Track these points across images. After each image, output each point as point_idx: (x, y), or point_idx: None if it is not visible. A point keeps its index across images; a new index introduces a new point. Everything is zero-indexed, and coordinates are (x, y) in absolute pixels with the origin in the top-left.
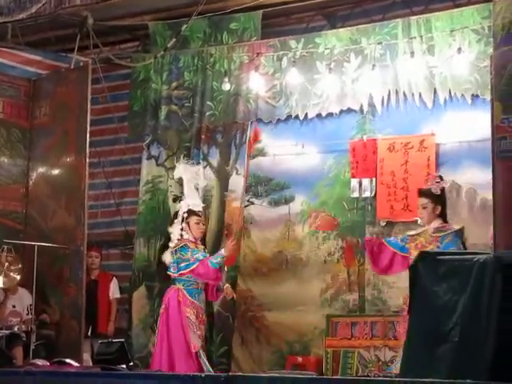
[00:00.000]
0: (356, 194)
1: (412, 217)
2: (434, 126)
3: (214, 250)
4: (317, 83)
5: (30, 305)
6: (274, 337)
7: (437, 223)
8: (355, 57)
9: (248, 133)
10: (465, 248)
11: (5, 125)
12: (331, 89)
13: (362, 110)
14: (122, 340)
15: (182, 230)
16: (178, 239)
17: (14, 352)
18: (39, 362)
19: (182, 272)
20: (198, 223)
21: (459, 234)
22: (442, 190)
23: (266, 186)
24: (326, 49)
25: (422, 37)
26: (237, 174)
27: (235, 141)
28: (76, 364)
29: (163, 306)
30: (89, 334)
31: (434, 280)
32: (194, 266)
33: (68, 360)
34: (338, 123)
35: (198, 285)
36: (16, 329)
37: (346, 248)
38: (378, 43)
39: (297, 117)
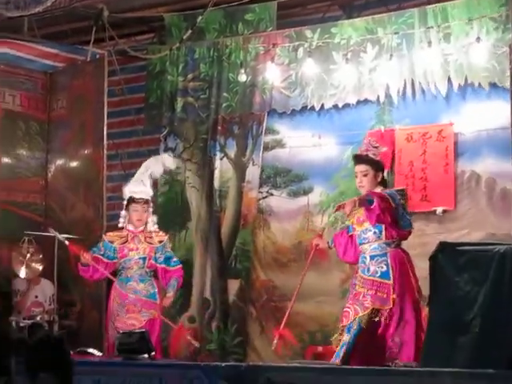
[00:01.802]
0: None
1: (430, 207)
2: (452, 115)
3: (231, 240)
4: (333, 74)
5: (52, 295)
6: (296, 327)
7: (378, 190)
8: (372, 47)
9: (264, 124)
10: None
11: (23, 118)
12: (348, 79)
13: (379, 101)
14: (144, 330)
15: (124, 217)
16: (123, 228)
17: None
18: None
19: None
20: (136, 211)
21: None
22: (382, 155)
23: (284, 178)
24: (342, 39)
25: (438, 26)
26: (253, 164)
27: (252, 132)
28: (98, 353)
29: None
30: None
31: (455, 271)
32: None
33: (90, 350)
34: (355, 114)
35: (126, 273)
36: (38, 319)
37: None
38: (395, 33)
39: (313, 108)
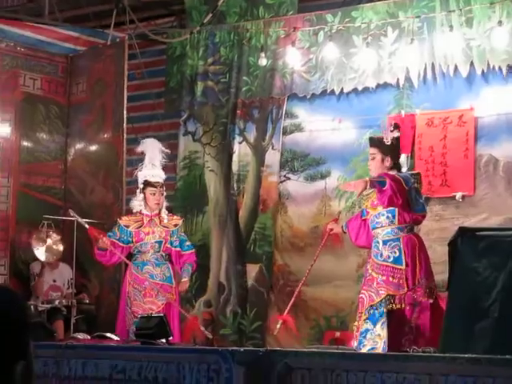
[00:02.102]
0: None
1: (450, 192)
2: (472, 99)
3: (250, 225)
4: (353, 57)
5: (71, 279)
6: (312, 312)
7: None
8: (392, 30)
9: (284, 108)
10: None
11: (43, 101)
12: (368, 63)
13: (398, 85)
14: (162, 314)
15: (140, 200)
16: (138, 212)
17: (55, 326)
18: (80, 335)
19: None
20: (154, 194)
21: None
22: (395, 140)
23: (302, 162)
24: (362, 23)
25: (460, 10)
26: (273, 149)
27: (271, 116)
28: (116, 338)
29: None
30: None
31: (474, 256)
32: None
33: (108, 334)
34: (375, 98)
35: (142, 257)
36: (57, 303)
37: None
38: (416, 17)
39: (333, 92)
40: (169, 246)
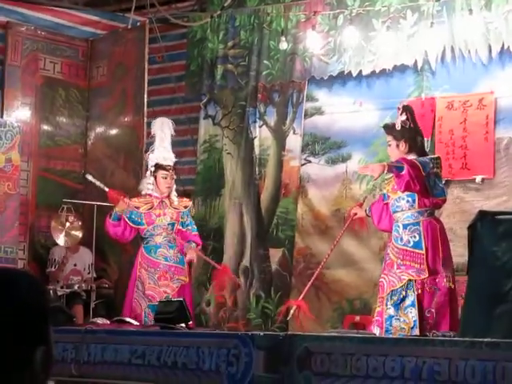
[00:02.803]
0: None
1: (470, 175)
2: (492, 82)
3: (272, 209)
4: (372, 40)
5: (91, 264)
6: (335, 294)
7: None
8: (412, 14)
9: (305, 92)
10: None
11: (63, 85)
12: (387, 46)
13: (418, 68)
14: (181, 299)
15: (151, 184)
16: (146, 194)
17: (74, 310)
18: (99, 320)
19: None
20: (166, 178)
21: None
22: (405, 123)
23: (323, 145)
24: (382, 6)
25: None
26: (294, 133)
27: (292, 100)
28: (135, 323)
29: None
30: None
31: (493, 240)
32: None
33: (128, 319)
34: (394, 81)
35: (155, 240)
36: (76, 287)
37: None
38: (436, 0)
39: (350, 74)
40: (180, 227)
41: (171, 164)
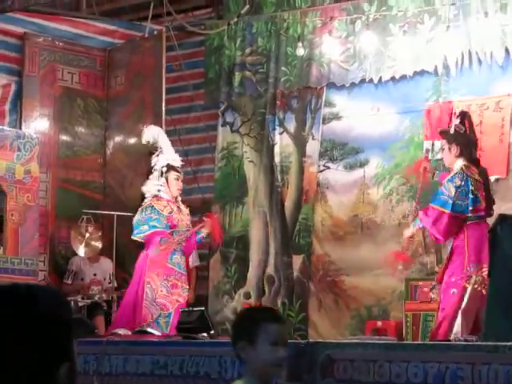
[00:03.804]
0: (428, 156)
1: None
2: (508, 85)
3: (295, 216)
4: (390, 45)
5: (111, 273)
6: (353, 301)
7: (458, 165)
8: (429, 18)
9: (323, 98)
10: (487, 186)
11: (81, 95)
12: (405, 51)
13: (436, 72)
14: (203, 308)
15: (161, 186)
16: (155, 196)
17: (96, 321)
18: (121, 331)
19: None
20: (177, 179)
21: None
22: (461, 127)
23: (341, 150)
24: (399, 11)
25: None
26: (313, 139)
27: (310, 106)
28: (157, 333)
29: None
30: None
31: None
32: (147, 232)
33: (149, 329)
34: (412, 85)
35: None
36: (97, 298)
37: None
38: (452, 4)
39: (371, 80)
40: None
41: (179, 165)
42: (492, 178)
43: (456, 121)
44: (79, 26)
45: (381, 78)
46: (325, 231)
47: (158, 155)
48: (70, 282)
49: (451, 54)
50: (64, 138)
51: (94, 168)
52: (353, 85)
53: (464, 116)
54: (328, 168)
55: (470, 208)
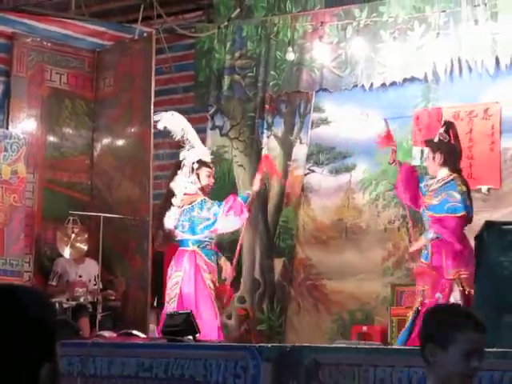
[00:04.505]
0: (417, 162)
1: (476, 185)
2: (498, 93)
3: (275, 219)
4: (380, 52)
5: (97, 275)
6: (335, 305)
7: (443, 174)
8: (419, 25)
9: (312, 102)
10: (468, 195)
11: (70, 96)
12: (395, 58)
13: (425, 79)
14: (189, 311)
15: (192, 183)
16: (187, 194)
17: (81, 323)
18: (106, 333)
19: (200, 234)
20: (209, 176)
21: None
22: (445, 136)
23: (327, 155)
24: (389, 17)
25: (485, 4)
26: (300, 143)
27: (299, 110)
28: (142, 335)
29: (179, 273)
30: (155, 304)
31: (500, 250)
32: (215, 224)
33: (134, 331)
34: (402, 92)
35: (212, 245)
36: (82, 300)
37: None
38: (442, 11)
39: (362, 86)
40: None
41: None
42: (484, 188)
43: (441, 130)
44: (68, 27)
45: (372, 84)
46: (306, 235)
47: (188, 149)
48: (54, 283)
49: (441, 61)
50: (51, 138)
51: (81, 169)
52: (343, 90)
53: (449, 125)
54: (313, 172)
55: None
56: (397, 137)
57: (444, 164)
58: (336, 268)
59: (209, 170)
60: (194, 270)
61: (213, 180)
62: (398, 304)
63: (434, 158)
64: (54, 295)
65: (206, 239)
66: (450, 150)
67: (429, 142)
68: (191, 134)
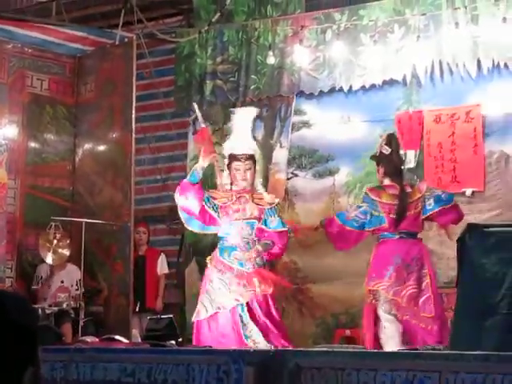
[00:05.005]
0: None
1: (460, 188)
2: (480, 96)
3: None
4: (361, 55)
5: (79, 280)
6: (319, 309)
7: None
8: (399, 28)
9: (293, 106)
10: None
11: (51, 102)
12: (376, 60)
13: (406, 82)
14: (171, 316)
15: (227, 178)
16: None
17: (63, 329)
18: (88, 338)
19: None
20: (239, 169)
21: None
22: (386, 149)
23: (310, 158)
24: (370, 20)
25: (466, 7)
26: (281, 147)
27: (280, 114)
28: (125, 341)
29: None
30: (137, 309)
31: (482, 252)
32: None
33: (117, 337)
34: (383, 95)
35: (229, 241)
36: (65, 305)
37: None
38: (422, 14)
39: (341, 89)
40: (263, 226)
41: (246, 152)
42: (468, 191)
43: (382, 142)
44: (49, 33)
45: (351, 86)
46: (291, 239)
47: (223, 145)
48: (38, 287)
49: (421, 64)
50: (33, 144)
51: (62, 175)
52: (323, 93)
53: (390, 138)
54: (296, 176)
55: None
56: (379, 140)
57: (385, 176)
58: (321, 272)
59: (238, 163)
60: None
61: (244, 173)
62: None
63: (378, 170)
64: (38, 298)
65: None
66: (390, 163)
67: (372, 156)
68: (234, 128)
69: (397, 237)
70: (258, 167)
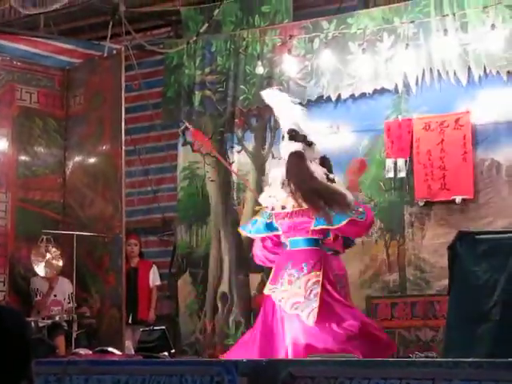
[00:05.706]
0: (391, 174)
1: (450, 196)
2: (470, 103)
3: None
4: (349, 64)
5: (71, 293)
6: None
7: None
8: (388, 36)
9: None
10: None
11: (40, 115)
12: (364, 69)
13: (396, 90)
14: (164, 327)
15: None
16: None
17: (56, 341)
18: (81, 351)
19: None
20: None
21: None
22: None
23: None
24: (358, 29)
25: (454, 14)
26: (273, 157)
27: (270, 124)
28: (118, 352)
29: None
30: (129, 321)
31: (473, 259)
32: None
33: (110, 348)
34: (372, 103)
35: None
36: (57, 318)
37: None
38: (411, 22)
39: (329, 98)
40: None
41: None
42: (458, 198)
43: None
44: (37, 46)
45: (340, 95)
46: None
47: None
48: (40, 298)
49: (411, 72)
50: (23, 157)
51: (53, 188)
52: (311, 103)
53: (324, 160)
54: None
55: None
56: (368, 149)
57: None
58: None
59: None
60: None
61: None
62: (372, 317)
63: None
64: (33, 312)
65: None
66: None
67: None
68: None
69: None
70: (250, 179)
